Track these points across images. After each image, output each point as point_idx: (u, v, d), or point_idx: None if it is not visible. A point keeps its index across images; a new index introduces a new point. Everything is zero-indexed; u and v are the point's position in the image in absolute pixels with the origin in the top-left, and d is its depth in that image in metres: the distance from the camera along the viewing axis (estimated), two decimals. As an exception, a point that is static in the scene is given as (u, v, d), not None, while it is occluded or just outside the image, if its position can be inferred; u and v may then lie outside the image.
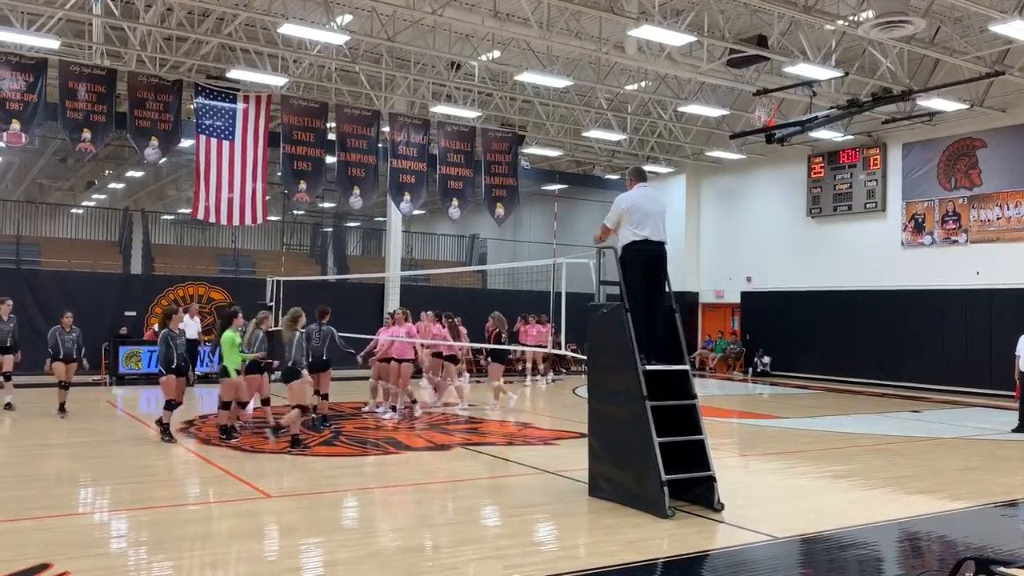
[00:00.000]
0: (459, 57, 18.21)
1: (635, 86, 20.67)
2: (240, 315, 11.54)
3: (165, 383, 10.89)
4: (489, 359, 15.38)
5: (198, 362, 19.30)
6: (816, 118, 15.34)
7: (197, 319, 19.00)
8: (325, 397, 12.21)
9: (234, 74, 18.04)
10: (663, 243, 8.00)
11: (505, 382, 15.42)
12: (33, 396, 14.26)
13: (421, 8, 14.60)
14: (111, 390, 17.30)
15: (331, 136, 20.01)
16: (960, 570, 4.61)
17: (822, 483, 9.19)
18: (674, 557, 6.26)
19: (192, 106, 18.95)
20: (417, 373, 15.44)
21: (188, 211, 22.41)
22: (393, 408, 13.42)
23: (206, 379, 19.17)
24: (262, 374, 11.51)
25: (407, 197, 20.91)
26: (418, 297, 21.33)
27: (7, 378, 13.13)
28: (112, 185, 35.34)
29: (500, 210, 22.33)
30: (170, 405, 10.88)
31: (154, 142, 18.01)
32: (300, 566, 5.94)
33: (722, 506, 7.36)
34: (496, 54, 18.46)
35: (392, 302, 21.62)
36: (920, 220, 20.98)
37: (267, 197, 19.67)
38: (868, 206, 22.03)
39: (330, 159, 20.02)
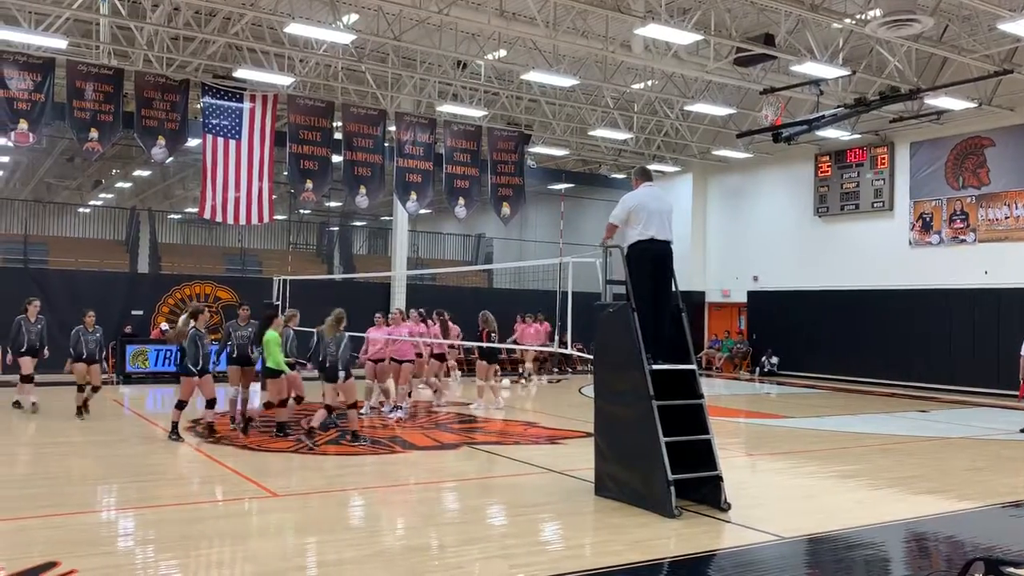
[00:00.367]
0: (465, 56, 18.20)
1: (641, 85, 20.64)
2: (280, 315, 11.59)
3: (202, 383, 10.83)
4: (478, 358, 15.36)
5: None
6: (823, 117, 15.29)
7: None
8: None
9: (241, 73, 18.06)
10: (669, 242, 7.98)
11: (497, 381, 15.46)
12: (51, 396, 14.25)
13: (427, 7, 14.60)
14: (118, 389, 17.35)
15: (337, 135, 20.02)
16: (969, 571, 4.59)
17: (829, 483, 9.16)
18: (681, 557, 6.24)
19: (199, 105, 18.98)
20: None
21: (195, 210, 22.50)
22: (397, 407, 13.32)
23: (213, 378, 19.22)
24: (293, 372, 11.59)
25: (413, 196, 20.91)
26: (424, 296, 21.37)
27: (29, 379, 12.99)
28: (119, 184, 35.44)
29: (506, 209, 22.32)
30: (210, 404, 10.90)
31: (161, 141, 18.05)
32: (306, 565, 5.95)
33: (729, 506, 7.34)
34: (502, 53, 18.46)
35: (398, 301, 21.65)
36: (928, 219, 20.91)
37: (274, 196, 19.69)
38: (875, 205, 21.96)
39: (336, 158, 20.04)
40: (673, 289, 8.05)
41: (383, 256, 29.89)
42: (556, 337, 14.02)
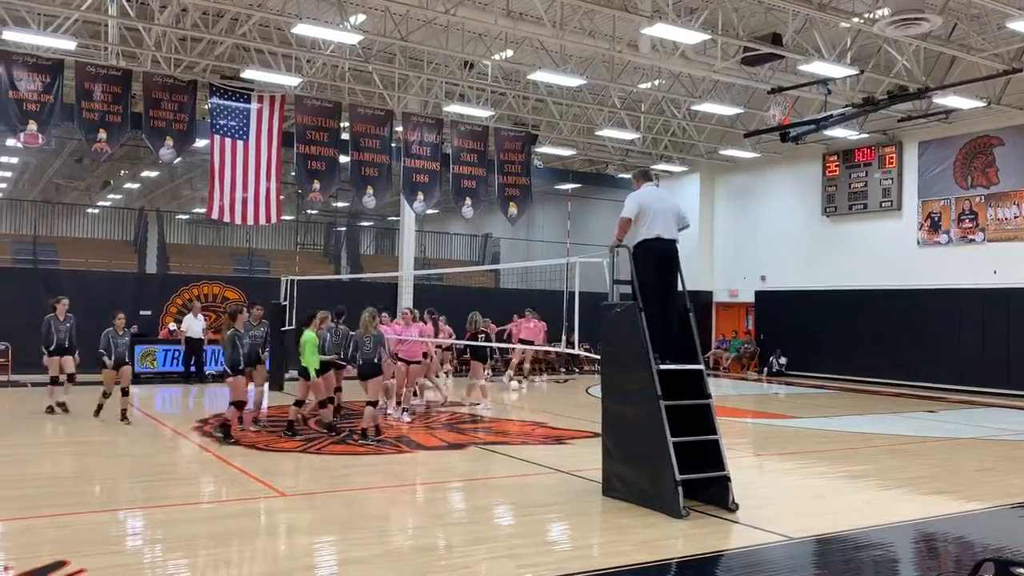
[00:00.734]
0: (472, 56, 18.21)
1: (648, 85, 20.61)
2: (318, 316, 11.62)
3: (234, 384, 10.79)
4: (470, 358, 15.32)
5: (209, 361, 19.43)
6: (831, 116, 15.24)
7: (201, 318, 19.09)
8: (339, 391, 12.41)
9: (248, 74, 18.11)
10: (675, 241, 7.98)
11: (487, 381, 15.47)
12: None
13: (434, 7, 14.60)
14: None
15: (344, 136, 20.05)
16: (979, 572, 4.57)
17: (838, 483, 9.13)
18: (688, 557, 6.23)
19: (207, 106, 19.04)
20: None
21: (203, 211, 22.55)
22: (405, 409, 13.29)
23: (220, 378, 19.28)
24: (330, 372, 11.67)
25: (420, 196, 20.93)
26: (431, 296, 21.38)
27: (71, 379, 12.80)
28: (127, 185, 35.57)
29: (513, 209, 22.32)
30: (239, 406, 10.88)
31: (169, 142, 18.11)
32: (314, 564, 5.95)
33: (737, 506, 7.33)
34: (509, 53, 18.45)
35: (405, 301, 21.67)
36: (936, 219, 20.83)
37: (281, 197, 19.73)
38: (884, 205, 21.89)
39: (344, 159, 20.07)
40: (680, 288, 8.04)
41: (390, 256, 29.96)
42: (563, 337, 14.01)
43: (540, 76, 17.81)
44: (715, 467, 7.47)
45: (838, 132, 20.69)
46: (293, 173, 20.28)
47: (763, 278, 24.88)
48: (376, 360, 11.03)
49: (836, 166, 23.04)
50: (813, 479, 9.35)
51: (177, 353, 18.95)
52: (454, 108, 20.58)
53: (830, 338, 22.58)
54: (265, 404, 12.22)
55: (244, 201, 18.75)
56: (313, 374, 11.07)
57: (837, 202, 23.03)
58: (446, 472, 9.50)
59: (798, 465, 10.25)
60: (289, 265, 24.51)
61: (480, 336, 15.13)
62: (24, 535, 6.42)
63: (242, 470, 8.98)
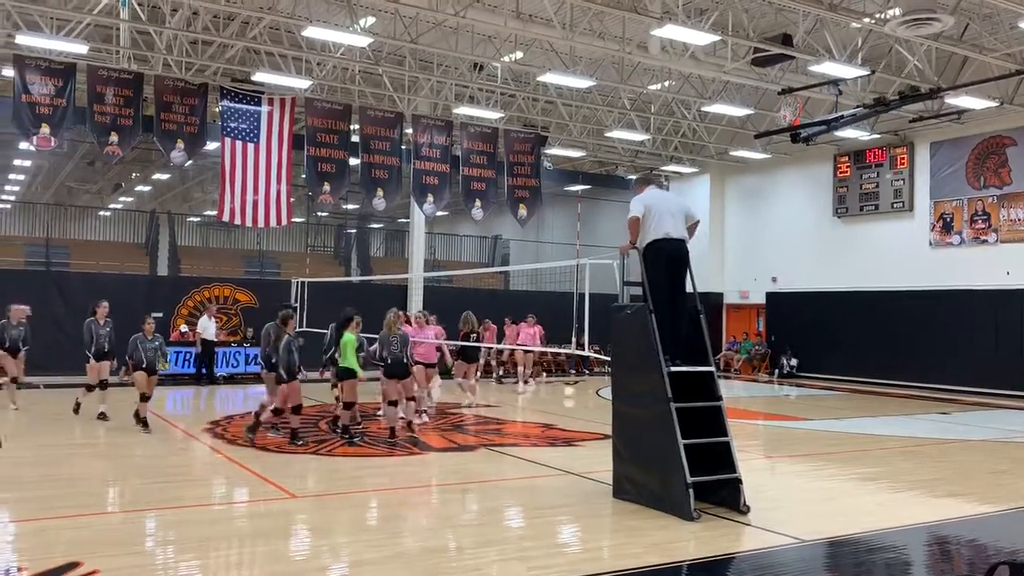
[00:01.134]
0: (482, 58, 18.22)
1: (658, 86, 20.57)
2: (355, 319, 11.66)
3: (292, 389, 10.81)
4: (458, 358, 15.26)
5: (220, 363, 19.52)
6: (842, 117, 15.15)
7: (214, 321, 19.17)
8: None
9: (259, 77, 18.18)
10: (684, 240, 7.96)
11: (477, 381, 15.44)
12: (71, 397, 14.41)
13: (444, 10, 14.63)
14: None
15: (355, 138, 20.10)
16: (994, 575, 4.54)
17: (849, 485, 9.09)
18: (700, 560, 6.22)
19: (217, 109, 19.12)
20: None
21: (213, 213, 22.63)
22: (424, 412, 13.08)
23: (231, 380, 19.38)
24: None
25: (430, 198, 20.96)
26: (441, 298, 21.40)
27: (103, 386, 12.47)
28: (139, 188, 35.75)
29: (523, 211, 22.32)
30: (297, 410, 10.89)
31: (180, 145, 18.19)
32: (326, 566, 5.96)
33: (748, 508, 7.30)
34: (519, 55, 18.45)
35: (415, 303, 21.70)
36: (948, 219, 20.72)
37: (291, 199, 19.79)
38: (895, 205, 21.78)
39: (354, 161, 20.11)
40: (690, 289, 8.02)
41: (400, 258, 29.98)
42: (573, 338, 13.99)
43: (550, 78, 17.81)
44: (726, 469, 7.45)
45: (849, 133, 20.60)
46: (303, 175, 20.36)
47: (774, 279, 24.80)
48: (404, 360, 11.17)
49: (847, 167, 22.95)
50: (825, 481, 9.31)
51: (188, 355, 19.03)
52: (464, 110, 20.60)
53: (841, 340, 22.47)
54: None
55: (255, 203, 18.82)
56: (359, 372, 11.03)
57: (848, 203, 22.93)
58: (456, 474, 9.50)
59: (809, 467, 10.21)
60: (299, 267, 24.59)
61: (472, 336, 15.10)
62: (37, 536, 6.46)
63: (254, 472, 9.01)
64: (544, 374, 22.13)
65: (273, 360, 11.20)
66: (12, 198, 35.04)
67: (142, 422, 11.55)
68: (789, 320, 24.08)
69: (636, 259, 8.03)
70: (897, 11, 13.46)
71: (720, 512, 7.30)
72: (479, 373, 17.34)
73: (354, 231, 31.67)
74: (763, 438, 13.00)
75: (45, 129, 16.75)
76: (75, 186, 35.83)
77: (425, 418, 12.84)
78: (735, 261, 26.20)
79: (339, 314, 11.94)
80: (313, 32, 15.24)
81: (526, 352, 18.80)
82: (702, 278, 9.60)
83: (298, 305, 17.25)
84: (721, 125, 23.34)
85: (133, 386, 11.92)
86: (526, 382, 19.23)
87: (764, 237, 25.26)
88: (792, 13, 15.48)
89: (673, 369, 7.46)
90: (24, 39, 15.69)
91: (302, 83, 18.81)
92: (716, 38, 15.32)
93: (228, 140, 18.58)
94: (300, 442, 10.65)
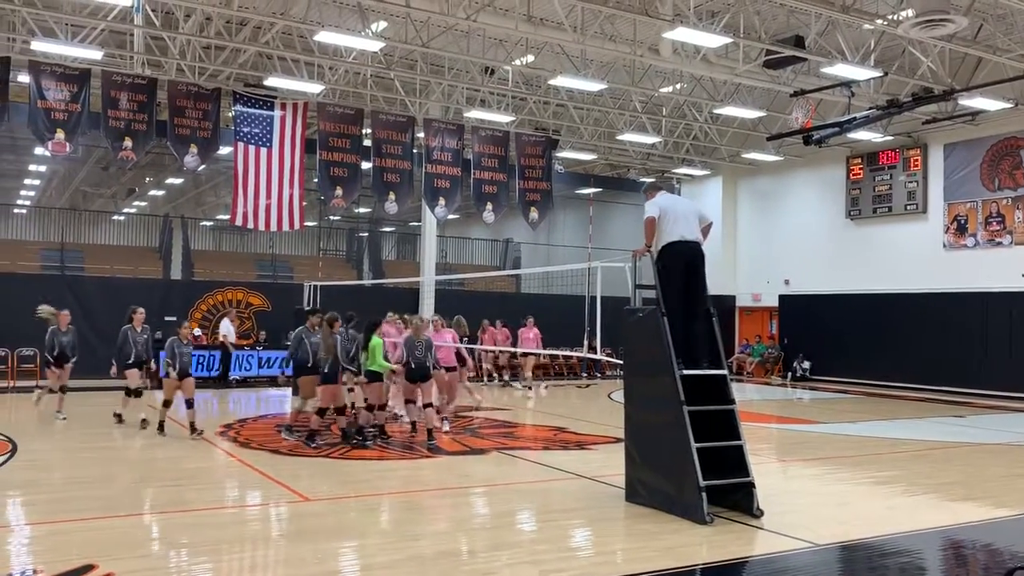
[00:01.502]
0: (493, 62, 18.25)
1: (670, 88, 20.54)
2: (383, 322, 11.68)
3: (335, 391, 10.99)
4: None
5: (236, 366, 19.60)
6: (855, 119, 15.11)
7: (234, 324, 19.24)
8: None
9: (271, 82, 18.27)
10: (700, 243, 7.95)
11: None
12: (89, 400, 14.48)
13: (455, 14, 14.66)
14: (152, 394, 17.54)
15: (367, 142, 20.16)
16: (1009, 580, 4.51)
17: (863, 489, 9.04)
18: (713, 564, 6.19)
19: (230, 114, 19.23)
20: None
21: (227, 217, 22.74)
22: (445, 418, 12.81)
23: (244, 383, 19.45)
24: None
25: (441, 202, 21.00)
26: (452, 302, 21.41)
27: (138, 393, 12.36)
28: (152, 192, 35.97)
29: (534, 214, 22.33)
30: (341, 411, 11.08)
31: (193, 149, 18.30)
32: (338, 569, 5.98)
33: (761, 512, 7.27)
34: (530, 58, 18.47)
35: (427, 306, 21.73)
36: (963, 221, 20.59)
37: (304, 203, 19.86)
38: (909, 207, 21.67)
39: (366, 165, 20.18)
40: (706, 292, 8.00)
41: (412, 261, 30.05)
42: (585, 342, 13.97)
43: (561, 81, 17.82)
44: (739, 473, 7.42)
45: (862, 135, 20.52)
46: (316, 179, 20.44)
47: (786, 282, 24.70)
48: (427, 365, 11.30)
49: (860, 169, 22.85)
50: (838, 485, 9.26)
51: (202, 359, 19.11)
52: (475, 114, 20.63)
53: (854, 342, 22.36)
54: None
55: (267, 207, 18.91)
56: (385, 373, 11.16)
57: (861, 205, 22.83)
58: (468, 477, 9.51)
59: (823, 471, 10.16)
60: (312, 270, 24.67)
61: (465, 340, 15.03)
62: (53, 538, 6.51)
63: (267, 475, 9.04)
64: (544, 379, 21.90)
65: (304, 362, 11.31)
66: (28, 203, 35.30)
67: (159, 427, 11.58)
68: (802, 323, 23.97)
69: (648, 262, 8.01)
70: (910, 12, 13.39)
71: (733, 516, 7.27)
72: (474, 375, 17.21)
73: (366, 235, 31.76)
74: (776, 442, 12.95)
75: (60, 134, 16.89)
76: (89, 191, 36.10)
77: (447, 426, 12.54)
78: (747, 264, 26.12)
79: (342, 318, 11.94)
80: (325, 37, 15.30)
81: (526, 355, 18.54)
82: (714, 281, 9.57)
83: (310, 309, 17.25)
84: (733, 127, 23.29)
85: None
86: (529, 387, 18.98)
87: (776, 239, 25.17)
88: (804, 15, 15.43)
89: (686, 372, 7.45)
90: (39, 45, 15.82)
91: (314, 88, 18.89)
92: (728, 40, 15.29)
93: (241, 145, 18.68)
94: (314, 444, 10.70)
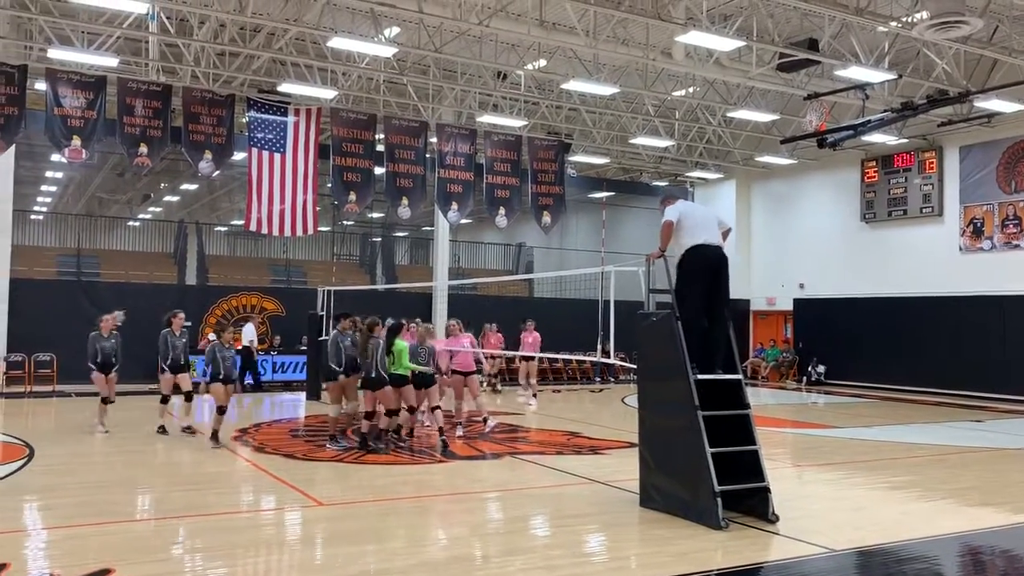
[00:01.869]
0: (505, 67, 18.27)
1: (683, 92, 20.51)
2: (406, 325, 11.69)
3: (384, 395, 11.02)
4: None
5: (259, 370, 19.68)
6: (869, 122, 15.04)
7: (258, 331, 19.32)
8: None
9: (285, 88, 18.36)
10: (722, 247, 7.93)
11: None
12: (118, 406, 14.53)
13: (468, 19, 14.69)
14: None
15: (380, 147, 20.22)
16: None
17: (880, 494, 8.97)
18: (728, 569, 6.16)
19: (244, 120, 19.33)
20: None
21: (241, 223, 22.84)
22: (459, 423, 12.74)
23: (259, 388, 19.51)
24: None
25: (454, 206, 21.03)
26: (465, 306, 21.42)
27: (188, 397, 12.17)
28: (167, 198, 36.19)
29: (547, 218, 22.33)
30: (391, 413, 11.14)
31: (208, 155, 18.40)
32: (352, 574, 5.98)
33: (777, 517, 7.23)
34: (542, 63, 18.49)
35: (440, 311, 21.76)
36: (979, 224, 20.43)
37: (317, 208, 19.93)
38: (924, 210, 21.53)
39: (379, 170, 20.23)
40: (728, 296, 7.98)
41: (424, 266, 30.09)
42: (599, 346, 13.89)
43: (573, 85, 17.82)
44: (754, 478, 7.39)
45: (877, 137, 20.41)
46: (329, 185, 20.52)
47: (801, 286, 24.58)
48: (430, 372, 11.33)
49: (875, 172, 22.73)
50: (854, 490, 9.20)
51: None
52: (487, 118, 20.66)
53: (870, 346, 22.21)
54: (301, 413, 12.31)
55: (281, 213, 18.99)
56: (407, 378, 11.18)
57: (876, 208, 22.70)
58: (482, 482, 9.50)
59: (839, 476, 10.09)
60: (326, 275, 24.75)
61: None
62: (70, 542, 6.55)
63: (281, 479, 9.07)
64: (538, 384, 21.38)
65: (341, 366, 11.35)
66: (45, 209, 35.60)
67: (213, 435, 11.17)
68: (817, 327, 23.85)
69: (662, 266, 7.99)
70: (925, 14, 13.31)
71: (748, 521, 7.23)
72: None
73: (379, 239, 31.86)
74: (791, 446, 12.87)
75: (76, 141, 17.04)
76: (105, 197, 36.37)
77: (460, 431, 12.44)
78: (762, 267, 26.01)
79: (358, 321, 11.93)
80: (338, 43, 15.36)
81: (527, 360, 18.12)
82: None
83: (324, 313, 17.32)
84: (746, 131, 23.22)
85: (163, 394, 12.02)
86: (535, 395, 18.69)
87: (791, 243, 25.07)
88: (818, 18, 15.38)
89: (700, 377, 7.42)
90: (56, 53, 15.98)
91: (327, 93, 18.97)
92: (741, 44, 15.25)
93: (255, 150, 18.78)
94: (371, 449, 10.77)
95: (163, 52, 17.78)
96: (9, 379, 17.82)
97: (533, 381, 18.16)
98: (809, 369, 23.52)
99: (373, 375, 10.94)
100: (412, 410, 11.45)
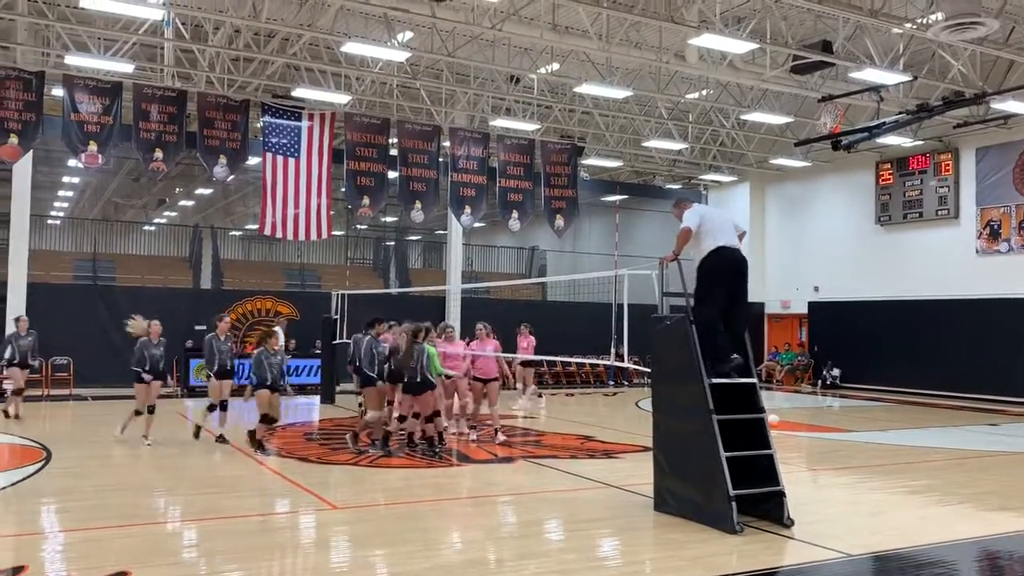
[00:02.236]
0: (518, 70, 18.30)
1: (696, 95, 20.47)
2: (434, 329, 11.71)
3: (424, 399, 11.07)
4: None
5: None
6: (884, 124, 14.93)
7: (285, 336, 19.37)
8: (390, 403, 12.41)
9: (299, 93, 18.45)
10: (740, 249, 7.92)
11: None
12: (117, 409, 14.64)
13: (481, 23, 14.73)
14: (183, 402, 17.75)
15: (393, 152, 20.29)
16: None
17: (896, 498, 8.91)
18: (743, 573, 6.13)
19: (259, 125, 19.44)
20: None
21: (255, 227, 22.94)
22: (473, 427, 12.71)
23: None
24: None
25: (467, 210, 21.07)
26: (478, 310, 21.42)
27: (223, 406, 11.75)
28: (182, 202, 36.41)
29: (560, 222, 22.33)
30: (432, 417, 11.17)
31: (223, 160, 18.52)
32: (367, 578, 5.99)
33: (792, 522, 7.20)
34: (555, 67, 18.50)
35: (453, 315, 21.77)
36: (996, 226, 20.28)
37: (331, 212, 20.01)
38: (940, 213, 21.38)
39: (392, 174, 20.30)
40: (747, 299, 7.96)
41: (438, 269, 30.15)
42: (612, 350, 13.84)
43: (586, 89, 17.81)
44: (769, 482, 7.35)
45: (891, 140, 20.29)
46: (343, 189, 20.62)
47: (816, 289, 24.46)
48: (427, 376, 11.18)
49: (890, 174, 22.59)
50: (870, 494, 9.14)
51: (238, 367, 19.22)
52: (500, 122, 20.68)
53: (885, 350, 22.06)
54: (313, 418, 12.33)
55: (295, 217, 19.08)
56: (435, 382, 11.21)
57: (891, 211, 22.57)
58: (496, 486, 9.50)
59: (855, 480, 10.03)
60: (340, 279, 24.82)
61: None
62: (87, 545, 6.59)
63: (296, 483, 9.10)
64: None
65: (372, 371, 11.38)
66: (61, 214, 35.89)
67: (258, 444, 10.91)
68: (832, 330, 23.71)
69: (675, 270, 7.97)
70: (940, 15, 13.23)
71: (763, 525, 7.20)
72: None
73: (393, 243, 31.93)
74: (806, 450, 12.81)
75: (93, 146, 17.18)
76: (121, 202, 36.62)
77: (473, 435, 12.42)
78: (776, 270, 25.90)
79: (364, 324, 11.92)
80: (352, 48, 15.43)
81: (525, 365, 17.88)
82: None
83: (338, 317, 17.38)
84: (760, 133, 23.13)
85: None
86: (538, 396, 18.57)
87: (805, 246, 24.95)
88: (832, 20, 15.32)
89: (715, 381, 7.40)
90: (73, 59, 16.11)
91: (341, 98, 19.04)
92: (754, 46, 15.21)
93: (269, 155, 18.88)
94: (437, 451, 10.85)
95: (178, 58, 17.90)
96: (26, 382, 17.91)
97: (532, 386, 17.93)
98: (824, 373, 23.39)
99: (419, 380, 10.87)
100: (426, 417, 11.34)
